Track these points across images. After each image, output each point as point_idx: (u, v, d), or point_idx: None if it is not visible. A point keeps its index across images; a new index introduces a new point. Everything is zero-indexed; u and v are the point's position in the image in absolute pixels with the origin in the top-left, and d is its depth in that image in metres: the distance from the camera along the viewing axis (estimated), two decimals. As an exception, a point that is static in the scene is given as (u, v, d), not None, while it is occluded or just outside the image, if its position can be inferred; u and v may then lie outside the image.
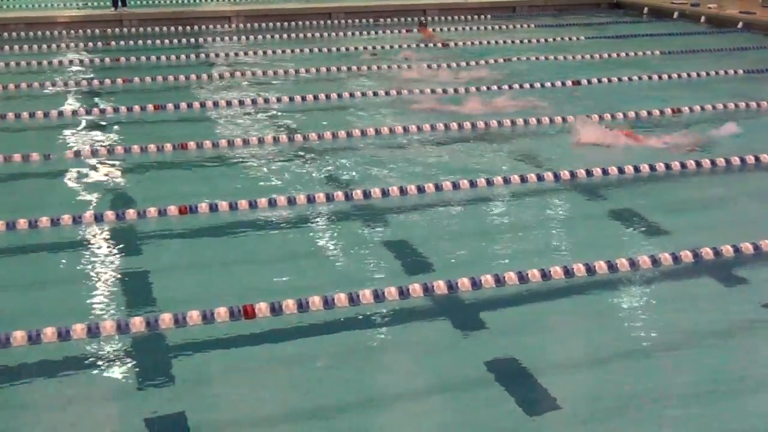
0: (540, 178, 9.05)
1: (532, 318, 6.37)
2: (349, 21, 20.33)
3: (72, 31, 19.01)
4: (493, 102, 12.33)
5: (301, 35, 18.48)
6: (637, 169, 9.23)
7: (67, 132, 11.14)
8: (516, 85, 13.30)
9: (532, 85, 13.35)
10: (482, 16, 20.88)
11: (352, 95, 12.74)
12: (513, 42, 17.47)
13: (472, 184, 8.84)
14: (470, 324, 6.22)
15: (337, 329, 6.09)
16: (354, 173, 9.40)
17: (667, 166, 9.31)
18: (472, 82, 13.59)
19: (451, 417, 5.17)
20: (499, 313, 6.38)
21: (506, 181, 8.93)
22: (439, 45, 16.94)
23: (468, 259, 7.27)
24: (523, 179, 8.98)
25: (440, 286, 6.51)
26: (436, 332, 6.14)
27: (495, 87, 13.22)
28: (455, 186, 8.78)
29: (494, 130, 11.05)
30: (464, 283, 6.56)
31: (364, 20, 20.41)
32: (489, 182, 8.90)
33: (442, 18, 20.67)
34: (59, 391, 5.38)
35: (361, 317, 6.22)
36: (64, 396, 5.32)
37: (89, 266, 7.12)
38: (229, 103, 12.37)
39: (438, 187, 8.73)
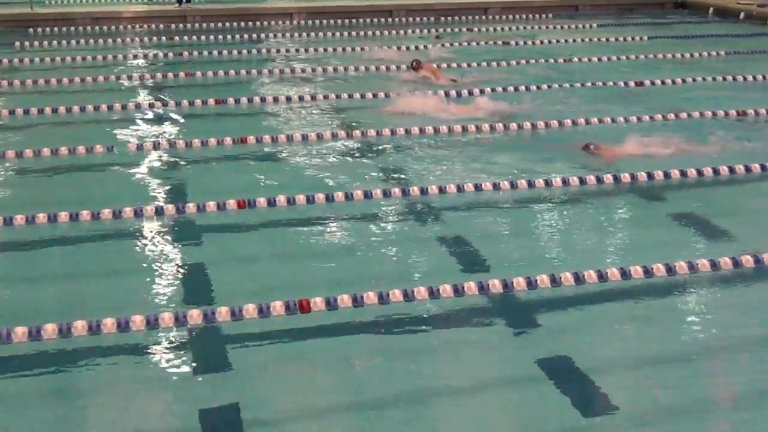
0: (599, 180, 8.95)
1: (588, 319, 6.32)
2: (410, 19, 20.31)
3: (137, 26, 19.32)
4: (553, 101, 12.23)
5: (362, 33, 18.52)
6: (699, 173, 9.08)
7: (130, 125, 11.32)
8: (577, 84, 13.18)
9: (593, 84, 13.21)
10: (544, 15, 20.71)
11: (411, 93, 12.73)
12: (575, 41, 17.31)
13: (530, 184, 8.77)
14: (525, 323, 6.19)
15: (392, 325, 6.11)
16: (411, 170, 9.39)
17: (731, 170, 9.14)
18: (532, 81, 13.49)
19: (503, 415, 5.17)
20: (555, 313, 6.34)
21: (564, 182, 8.84)
22: (445, 81, 13.45)
23: (524, 259, 7.23)
24: (582, 181, 8.89)
25: (495, 285, 6.49)
26: (490, 330, 6.13)
27: (555, 86, 13.11)
28: (513, 185, 8.73)
29: (554, 130, 10.96)
30: (520, 282, 6.53)
31: (425, 18, 20.38)
32: (547, 183, 8.83)
33: (503, 17, 20.54)
34: (117, 379, 5.48)
35: (415, 313, 6.23)
36: (122, 384, 5.42)
37: (149, 258, 7.23)
38: (288, 99, 12.45)
39: (496, 186, 8.69)
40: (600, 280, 6.64)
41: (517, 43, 17.08)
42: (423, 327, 6.13)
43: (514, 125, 10.98)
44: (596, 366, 5.57)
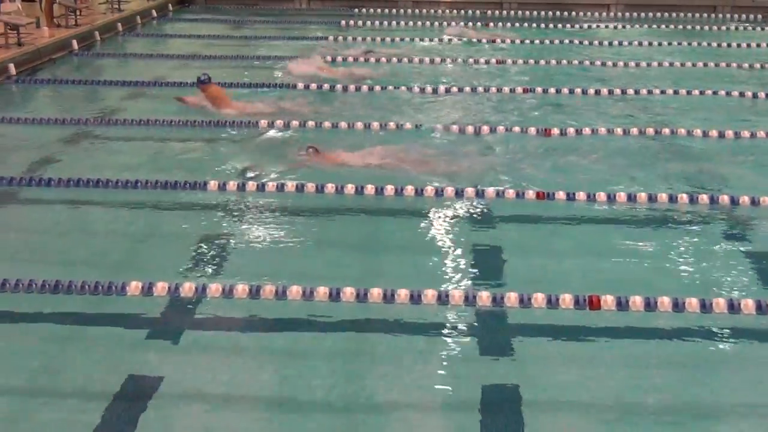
0: None
1: None
2: (735, 15, 19.25)
3: (454, 11, 19.87)
4: None
5: (681, 27, 17.80)
6: None
7: (437, 105, 11.63)
8: None
9: None
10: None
11: (728, 94, 12.07)
12: None
13: None
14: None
15: (686, 333, 5.90)
16: (718, 176, 8.92)
17: None
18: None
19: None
20: None
21: None
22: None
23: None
24: None
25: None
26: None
27: None
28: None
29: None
30: (832, 306, 6.04)
31: (750, 15, 19.22)
32: None
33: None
34: (407, 347, 5.73)
35: (711, 325, 5.96)
36: (411, 352, 5.66)
37: (444, 238, 7.46)
38: (597, 92, 12.22)
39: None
40: None
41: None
42: (719, 340, 5.84)
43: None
44: None
